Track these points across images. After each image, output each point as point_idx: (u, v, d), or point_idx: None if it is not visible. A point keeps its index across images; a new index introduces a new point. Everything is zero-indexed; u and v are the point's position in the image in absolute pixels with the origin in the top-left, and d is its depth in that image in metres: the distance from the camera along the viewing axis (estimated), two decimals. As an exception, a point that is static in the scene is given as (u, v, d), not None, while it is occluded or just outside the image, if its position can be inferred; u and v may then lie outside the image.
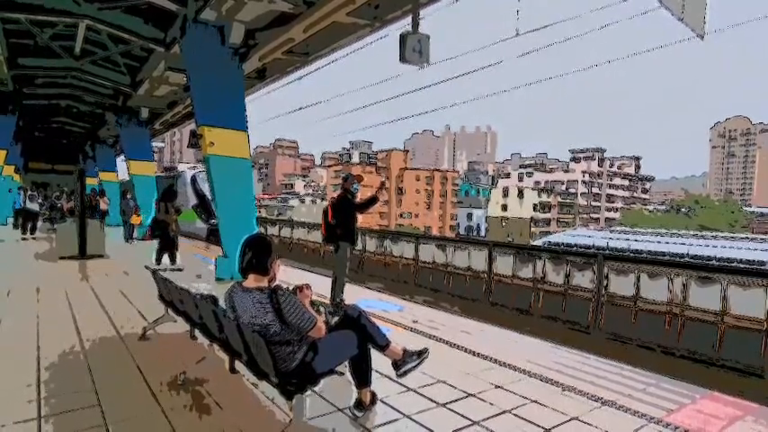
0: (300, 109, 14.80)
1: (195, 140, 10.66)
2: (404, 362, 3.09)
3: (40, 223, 17.04)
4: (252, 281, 2.78)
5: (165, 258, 9.17)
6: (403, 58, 6.42)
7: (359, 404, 3.05)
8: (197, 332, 4.05)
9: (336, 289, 6.44)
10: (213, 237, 16.69)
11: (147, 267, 4.97)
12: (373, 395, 3.12)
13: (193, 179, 20.27)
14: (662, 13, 4.30)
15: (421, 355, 3.15)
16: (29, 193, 16.40)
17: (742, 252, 22.81)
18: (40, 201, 18.05)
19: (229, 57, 8.51)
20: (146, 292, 5.59)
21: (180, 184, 19.75)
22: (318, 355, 2.72)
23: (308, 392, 2.84)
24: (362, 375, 3.01)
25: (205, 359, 3.77)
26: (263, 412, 3.18)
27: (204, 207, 18.96)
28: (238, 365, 3.43)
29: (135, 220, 14.89)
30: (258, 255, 2.78)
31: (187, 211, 17.47)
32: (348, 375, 3.04)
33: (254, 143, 9.34)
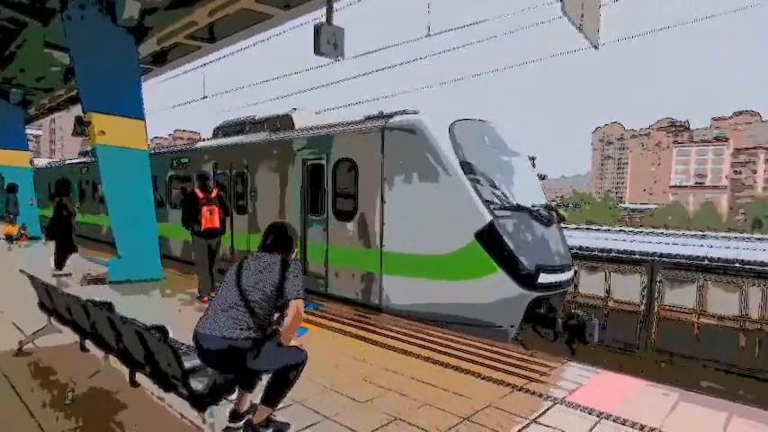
0: (205, 98, 13.80)
1: (82, 128, 9.59)
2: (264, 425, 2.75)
3: None
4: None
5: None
6: (317, 51, 6.28)
7: (243, 419, 2.77)
8: (88, 343, 3.60)
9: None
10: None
11: (22, 271, 4.31)
12: (268, 421, 2.75)
13: (457, 147, 5.93)
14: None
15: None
16: None
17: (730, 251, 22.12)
18: None
19: (122, 37, 7.73)
20: (23, 301, 4.85)
21: (400, 162, 6.25)
22: (260, 355, 2.58)
23: (222, 403, 2.64)
24: (276, 394, 2.68)
25: (99, 373, 3.35)
26: (171, 428, 2.90)
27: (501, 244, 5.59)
28: (140, 378, 3.07)
29: (10, 229, 12.21)
30: (281, 239, 2.88)
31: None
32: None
33: (150, 133, 8.62)
